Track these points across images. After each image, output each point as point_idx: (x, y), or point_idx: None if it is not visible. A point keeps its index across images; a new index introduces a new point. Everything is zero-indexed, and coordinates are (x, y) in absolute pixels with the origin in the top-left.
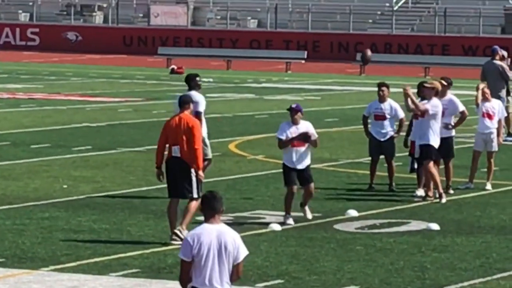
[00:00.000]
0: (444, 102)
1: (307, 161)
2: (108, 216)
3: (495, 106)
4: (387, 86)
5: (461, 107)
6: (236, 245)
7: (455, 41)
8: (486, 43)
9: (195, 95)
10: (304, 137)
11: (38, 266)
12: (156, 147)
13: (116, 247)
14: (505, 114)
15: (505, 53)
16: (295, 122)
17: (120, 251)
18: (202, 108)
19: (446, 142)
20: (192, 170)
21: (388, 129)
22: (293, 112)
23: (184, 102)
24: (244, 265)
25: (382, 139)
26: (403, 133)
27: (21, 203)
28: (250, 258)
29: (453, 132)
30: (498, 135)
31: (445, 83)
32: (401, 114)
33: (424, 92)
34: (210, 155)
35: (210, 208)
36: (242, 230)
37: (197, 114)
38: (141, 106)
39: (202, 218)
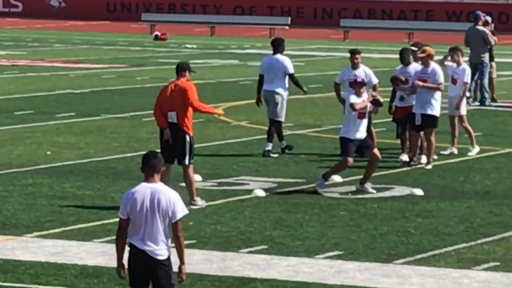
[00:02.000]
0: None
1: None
2: (92, 183)
3: (458, 71)
4: (360, 53)
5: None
6: (171, 204)
7: (438, 7)
8: (470, 8)
9: (284, 59)
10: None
11: (22, 233)
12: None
13: (100, 214)
14: (468, 81)
15: (488, 19)
16: (359, 95)
17: (104, 217)
18: (292, 69)
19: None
20: (187, 137)
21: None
22: (358, 86)
23: (181, 69)
24: (228, 230)
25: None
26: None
27: (4, 169)
28: (234, 224)
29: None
30: (460, 99)
31: (415, 48)
32: (375, 80)
33: (421, 60)
34: (282, 118)
35: (149, 167)
36: (226, 195)
37: (291, 76)
38: (124, 73)
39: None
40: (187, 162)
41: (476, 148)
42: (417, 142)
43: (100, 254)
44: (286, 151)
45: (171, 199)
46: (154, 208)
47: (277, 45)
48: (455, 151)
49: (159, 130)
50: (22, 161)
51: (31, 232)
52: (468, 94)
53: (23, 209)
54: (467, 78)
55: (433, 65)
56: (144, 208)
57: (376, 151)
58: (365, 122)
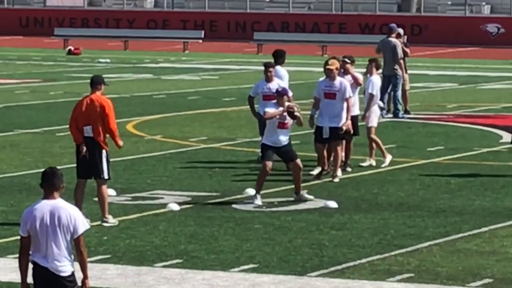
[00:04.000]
0: (349, 79)
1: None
2: (6, 198)
3: (366, 82)
4: (274, 66)
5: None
6: (72, 219)
7: (351, 19)
8: (383, 21)
9: (282, 71)
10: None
11: None
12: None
13: (13, 229)
14: (372, 92)
15: (401, 31)
16: (281, 105)
17: (18, 233)
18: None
19: (351, 120)
20: (103, 151)
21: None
22: (279, 96)
23: (96, 83)
24: (143, 245)
25: None
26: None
27: None
28: (148, 238)
29: (358, 111)
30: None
31: (348, 61)
32: (289, 92)
33: (330, 74)
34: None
35: (49, 185)
36: (140, 210)
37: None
38: (38, 88)
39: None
40: (106, 176)
41: (389, 157)
42: (323, 153)
43: (13, 269)
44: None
45: (71, 214)
46: (54, 225)
47: (278, 57)
48: (373, 162)
49: (75, 145)
50: None
51: None
52: (382, 105)
53: None
54: (371, 89)
55: (340, 79)
56: (44, 225)
57: (298, 161)
58: (286, 132)
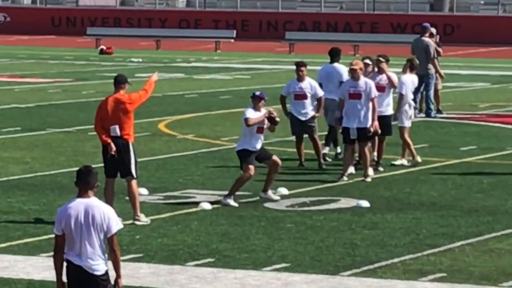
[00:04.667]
0: (384, 79)
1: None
2: (38, 197)
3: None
4: (306, 65)
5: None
6: (106, 218)
7: (384, 19)
8: (415, 20)
9: (341, 67)
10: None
11: None
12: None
13: (46, 228)
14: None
15: (433, 30)
16: (258, 109)
17: (50, 231)
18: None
19: (384, 120)
20: (131, 149)
21: (309, 108)
22: (256, 100)
23: (119, 82)
24: (175, 243)
25: (304, 119)
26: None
27: None
28: (181, 237)
29: (391, 111)
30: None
31: (383, 60)
32: (320, 92)
33: (354, 74)
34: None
35: (84, 183)
36: (173, 209)
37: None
38: (70, 87)
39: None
40: (134, 175)
41: (403, 161)
42: (351, 156)
43: (46, 268)
44: (339, 156)
45: (105, 213)
46: (88, 224)
47: (335, 55)
48: (405, 162)
49: (101, 145)
50: None
51: None
52: (413, 105)
53: None
54: (399, 88)
55: (365, 79)
56: (78, 223)
57: (275, 157)
58: (262, 136)
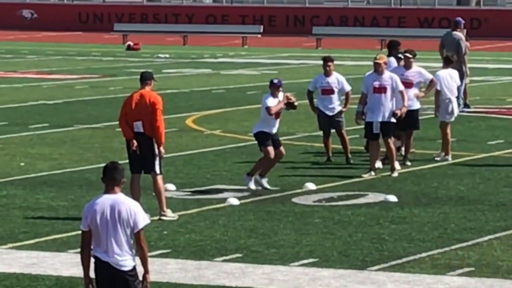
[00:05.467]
0: (412, 74)
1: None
2: (66, 193)
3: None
4: (333, 60)
5: (429, 76)
6: (132, 214)
7: (411, 13)
8: (442, 14)
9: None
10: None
11: None
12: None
13: (74, 224)
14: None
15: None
16: (276, 96)
17: (78, 228)
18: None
19: (411, 114)
20: (155, 146)
21: (336, 103)
22: (275, 87)
23: (145, 78)
24: (202, 239)
25: (331, 114)
26: (351, 106)
27: None
28: (208, 233)
29: (419, 105)
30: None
31: (409, 55)
32: (348, 87)
33: (378, 68)
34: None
35: (110, 179)
36: (200, 204)
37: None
38: (97, 83)
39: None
40: (157, 171)
41: (447, 157)
42: (377, 151)
43: (74, 264)
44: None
45: (131, 209)
46: (115, 220)
47: (392, 47)
48: (449, 158)
49: (126, 141)
50: None
51: (5, 243)
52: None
53: None
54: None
55: (389, 73)
56: (104, 219)
57: (282, 149)
58: (278, 120)
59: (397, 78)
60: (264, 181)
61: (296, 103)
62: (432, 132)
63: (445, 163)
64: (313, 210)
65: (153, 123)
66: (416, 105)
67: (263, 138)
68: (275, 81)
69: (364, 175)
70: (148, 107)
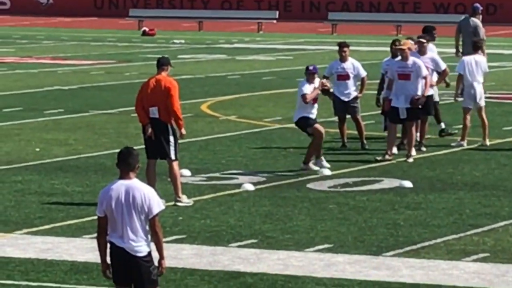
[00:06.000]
0: (426, 60)
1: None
2: (81, 179)
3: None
4: (348, 46)
5: (443, 65)
6: (147, 199)
7: None
8: (458, 0)
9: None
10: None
11: (12, 230)
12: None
13: (89, 210)
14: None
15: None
16: (312, 82)
17: (94, 213)
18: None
19: (425, 100)
20: (170, 131)
21: (352, 88)
22: (311, 74)
23: (162, 64)
24: (218, 225)
25: (346, 100)
26: (366, 92)
27: None
28: (223, 218)
29: (433, 91)
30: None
31: (424, 41)
32: (363, 72)
33: (402, 54)
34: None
35: (125, 164)
36: (215, 190)
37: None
38: (113, 69)
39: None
40: (172, 157)
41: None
42: (394, 135)
43: (90, 250)
44: (443, 133)
45: (146, 195)
46: (129, 205)
47: (427, 32)
48: (487, 142)
49: (141, 126)
50: (10, 158)
51: (20, 229)
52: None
53: (12, 206)
54: (458, 68)
55: (413, 58)
56: (119, 205)
57: (318, 126)
58: (316, 105)
59: (421, 63)
60: (324, 162)
61: (331, 90)
62: (447, 118)
63: (460, 149)
64: (328, 195)
65: (169, 108)
66: (430, 91)
67: (305, 122)
68: (311, 67)
69: (378, 158)
70: (164, 92)
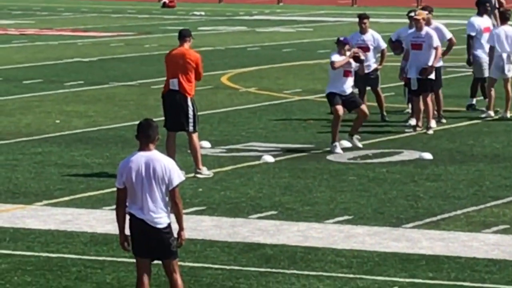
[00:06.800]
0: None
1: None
2: (101, 151)
3: None
4: (368, 17)
5: (448, 35)
6: (167, 171)
7: None
8: None
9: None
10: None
11: (32, 201)
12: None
13: (109, 181)
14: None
15: None
16: (343, 54)
17: (113, 185)
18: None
19: (436, 71)
20: (190, 103)
21: (372, 60)
22: (341, 45)
23: (184, 35)
24: (237, 196)
25: (367, 71)
26: (386, 64)
27: (13, 138)
28: (243, 190)
29: (441, 62)
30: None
31: (425, 11)
32: (383, 44)
33: (417, 24)
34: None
35: (144, 136)
36: (235, 162)
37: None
38: (132, 40)
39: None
40: (191, 129)
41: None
42: (419, 106)
43: (109, 221)
44: (469, 108)
45: (166, 166)
46: (150, 177)
47: (480, 4)
48: (507, 114)
49: (161, 97)
50: (31, 130)
51: (40, 200)
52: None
53: (32, 178)
54: (489, 39)
55: (427, 29)
56: (140, 177)
57: (364, 107)
58: (350, 80)
59: (433, 34)
60: (356, 140)
61: (362, 57)
62: (467, 90)
63: (480, 120)
64: (348, 167)
65: (190, 79)
66: (440, 63)
67: (331, 98)
68: (341, 38)
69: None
70: (185, 64)
